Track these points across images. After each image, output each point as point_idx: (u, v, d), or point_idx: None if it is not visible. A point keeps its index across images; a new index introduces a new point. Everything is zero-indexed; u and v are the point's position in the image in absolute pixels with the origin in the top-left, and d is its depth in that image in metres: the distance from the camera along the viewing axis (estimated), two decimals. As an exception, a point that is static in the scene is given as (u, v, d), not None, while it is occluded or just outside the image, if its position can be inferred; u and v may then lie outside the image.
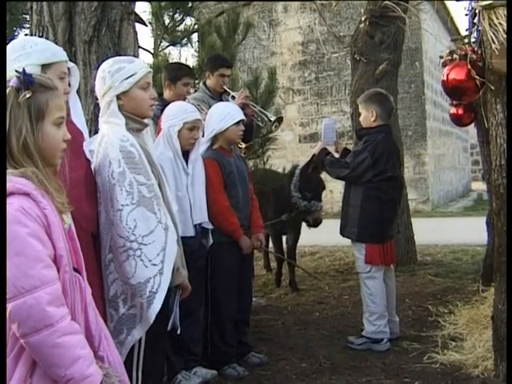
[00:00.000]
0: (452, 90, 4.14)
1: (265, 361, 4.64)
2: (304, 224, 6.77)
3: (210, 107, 5.30)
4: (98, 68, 3.90)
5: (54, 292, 1.88)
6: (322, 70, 16.34)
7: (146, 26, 6.94)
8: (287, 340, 5.23)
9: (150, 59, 6.83)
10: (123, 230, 2.85)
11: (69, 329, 1.90)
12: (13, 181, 1.89)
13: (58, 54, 2.82)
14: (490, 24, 3.57)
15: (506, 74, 3.53)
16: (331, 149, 5.30)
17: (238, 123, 4.51)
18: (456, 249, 9.32)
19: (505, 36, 3.43)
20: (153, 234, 2.90)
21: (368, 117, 5.02)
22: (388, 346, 4.85)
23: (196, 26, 7.41)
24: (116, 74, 3.02)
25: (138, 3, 4.84)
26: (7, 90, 1.94)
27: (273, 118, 5.69)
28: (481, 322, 5.05)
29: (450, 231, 11.00)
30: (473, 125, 6.06)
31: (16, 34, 7.57)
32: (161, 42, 7.13)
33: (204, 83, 5.70)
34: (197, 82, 6.49)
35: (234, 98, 5.59)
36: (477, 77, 3.88)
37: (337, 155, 5.27)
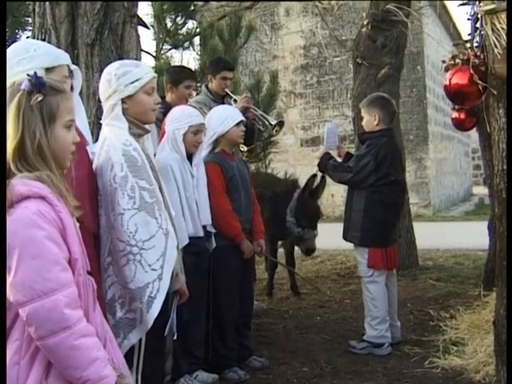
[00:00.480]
0: (454, 94, 4.12)
1: (266, 364, 4.64)
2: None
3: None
4: (100, 71, 3.92)
5: (70, 295, 1.89)
6: (323, 73, 16.35)
7: (149, 29, 6.95)
8: (288, 344, 5.22)
9: (152, 62, 6.85)
10: (124, 234, 2.85)
11: (85, 331, 1.91)
12: (29, 184, 1.89)
13: (61, 57, 2.83)
14: (492, 29, 3.55)
15: (506, 78, 3.52)
16: (333, 153, 5.30)
17: (238, 124, 4.51)
18: (457, 253, 9.30)
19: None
20: (153, 239, 2.91)
21: (371, 121, 5.02)
22: (389, 351, 4.84)
23: (198, 30, 7.44)
24: (122, 78, 3.02)
25: (140, 6, 4.84)
26: (19, 94, 1.94)
27: (274, 122, 5.69)
28: (482, 326, 5.04)
29: (451, 236, 10.98)
30: (474, 129, 6.05)
31: (18, 36, 7.58)
32: (163, 45, 7.15)
33: (206, 86, 5.71)
34: (199, 85, 6.50)
35: (235, 101, 5.60)
36: (479, 81, 3.86)
37: (339, 159, 5.26)
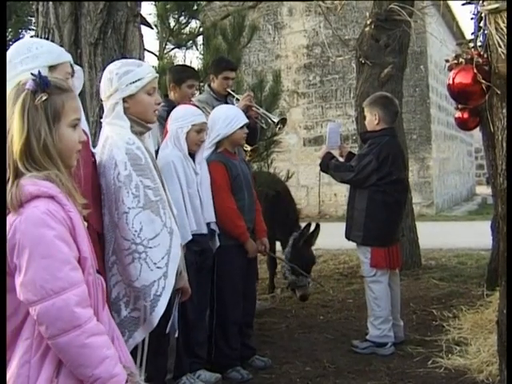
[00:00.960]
0: (458, 94, 4.11)
1: (269, 364, 4.64)
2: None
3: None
4: (103, 70, 3.91)
5: (81, 294, 1.90)
6: (326, 73, 16.34)
7: (152, 28, 6.95)
8: (291, 343, 5.22)
9: (155, 62, 6.84)
10: (129, 232, 2.86)
11: (96, 329, 1.92)
12: (38, 184, 1.90)
13: (63, 55, 2.83)
14: (496, 28, 3.54)
15: (506, 78, 3.51)
16: (336, 153, 5.29)
17: (242, 127, 4.51)
18: (460, 253, 9.29)
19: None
20: (158, 238, 2.92)
21: (372, 120, 5.02)
22: (392, 350, 4.84)
23: (201, 29, 7.42)
24: (124, 77, 3.02)
25: (143, 6, 4.84)
26: (23, 94, 1.94)
27: (276, 120, 5.69)
28: (485, 326, 5.04)
29: (454, 235, 10.97)
30: (478, 129, 6.04)
31: (22, 36, 7.58)
32: (166, 44, 7.14)
33: (209, 85, 5.71)
34: (202, 84, 6.50)
35: (238, 100, 5.60)
36: (483, 81, 3.86)
37: (341, 159, 5.26)
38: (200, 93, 6.11)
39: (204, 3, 8.02)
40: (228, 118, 4.49)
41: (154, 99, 3.12)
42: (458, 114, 5.62)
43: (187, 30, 7.29)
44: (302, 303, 6.60)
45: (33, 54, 2.69)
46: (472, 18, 4.17)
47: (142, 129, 3.13)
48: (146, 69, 3.11)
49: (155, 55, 7.00)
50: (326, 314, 6.23)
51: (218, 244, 4.28)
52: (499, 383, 3.98)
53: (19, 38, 7.12)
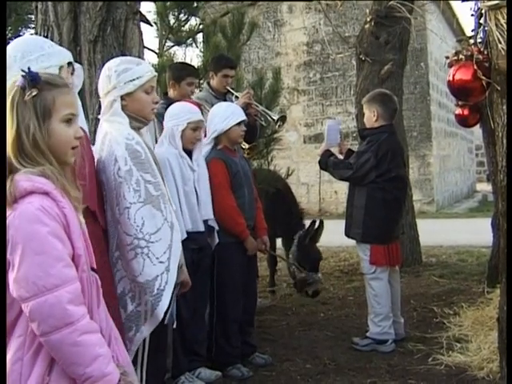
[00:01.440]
0: (458, 90, 4.11)
1: (269, 361, 4.63)
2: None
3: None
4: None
5: (74, 291, 1.88)
6: (326, 70, 16.32)
7: (151, 25, 6.92)
8: (291, 341, 5.22)
9: (154, 59, 6.83)
10: (131, 227, 2.88)
11: (88, 327, 1.90)
12: (33, 180, 1.89)
13: (68, 54, 2.83)
14: (496, 24, 3.55)
15: (506, 73, 3.50)
16: (335, 150, 5.28)
17: (239, 123, 4.49)
18: (461, 250, 9.29)
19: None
20: (160, 232, 2.94)
21: (370, 117, 5.01)
22: (393, 348, 4.83)
23: (201, 26, 7.40)
24: (122, 75, 3.03)
25: (142, 3, 4.83)
26: (13, 90, 1.94)
27: (276, 117, 5.69)
28: (486, 323, 5.03)
29: (454, 232, 10.96)
30: (478, 126, 6.04)
31: (21, 34, 7.57)
32: (166, 41, 7.12)
33: (208, 83, 5.71)
34: (201, 81, 6.49)
35: (237, 98, 5.59)
36: (483, 77, 3.86)
37: (341, 157, 5.25)
38: (200, 90, 6.10)
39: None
40: (225, 114, 4.47)
41: (152, 98, 3.12)
42: (459, 111, 5.63)
43: (187, 27, 7.27)
44: (302, 301, 6.61)
45: (47, 53, 2.67)
46: (472, 15, 4.17)
47: (140, 124, 3.15)
48: (144, 67, 3.12)
49: (155, 53, 6.99)
50: (327, 311, 6.23)
51: (216, 241, 4.27)
52: (500, 380, 3.98)
53: (19, 36, 7.12)
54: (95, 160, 3.00)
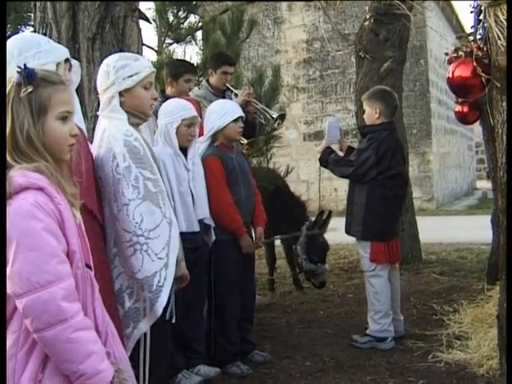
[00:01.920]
0: (457, 87, 4.10)
1: (268, 359, 4.63)
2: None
3: (212, 105, 5.30)
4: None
5: (68, 287, 1.88)
6: (326, 67, 16.31)
7: (150, 23, 6.92)
8: (291, 338, 5.22)
9: (153, 56, 6.82)
10: (130, 224, 2.88)
11: (82, 324, 1.90)
12: (27, 175, 1.88)
13: (65, 51, 2.82)
14: (495, 21, 3.53)
15: (506, 70, 3.49)
16: (335, 147, 5.27)
17: (236, 120, 4.47)
18: (461, 247, 9.29)
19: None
20: (158, 229, 2.94)
21: (372, 114, 5.00)
22: (392, 345, 4.83)
23: (200, 24, 7.39)
24: (121, 71, 3.02)
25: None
26: (9, 86, 1.93)
27: (275, 116, 5.69)
28: (486, 320, 5.02)
29: (454, 229, 10.96)
30: (478, 123, 6.03)
31: (21, 32, 7.56)
32: (165, 39, 7.11)
33: (207, 81, 5.70)
34: (201, 79, 6.48)
35: (236, 95, 5.58)
36: (482, 74, 3.85)
37: (341, 154, 5.24)
38: (199, 88, 6.09)
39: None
40: (222, 111, 4.45)
41: (151, 94, 3.12)
42: (458, 108, 5.62)
43: (186, 24, 7.26)
44: (301, 298, 6.63)
45: (44, 50, 2.66)
46: (472, 11, 4.16)
47: (139, 120, 3.14)
48: (143, 63, 3.11)
49: (154, 50, 6.98)
50: (326, 308, 6.23)
51: (213, 238, 4.26)
52: (499, 377, 3.97)
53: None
54: (93, 157, 3.00)
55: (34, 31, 4.39)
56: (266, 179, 6.34)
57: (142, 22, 4.98)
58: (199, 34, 7.42)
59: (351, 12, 15.37)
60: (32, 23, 6.39)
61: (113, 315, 2.48)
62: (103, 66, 3.10)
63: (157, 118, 4.34)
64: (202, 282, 4.21)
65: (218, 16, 7.50)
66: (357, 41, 7.89)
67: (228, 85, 5.64)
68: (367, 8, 7.93)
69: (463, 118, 5.78)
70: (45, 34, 4.13)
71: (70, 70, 2.81)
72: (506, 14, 3.41)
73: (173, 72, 5.16)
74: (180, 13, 7.13)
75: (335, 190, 15.60)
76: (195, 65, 6.30)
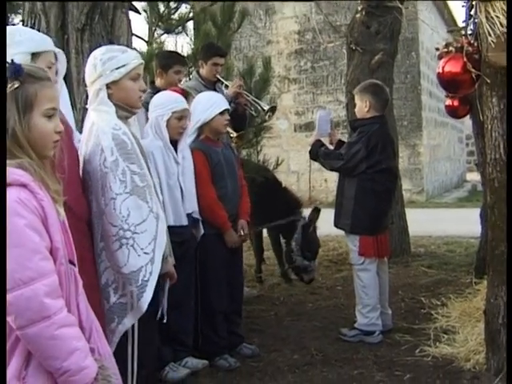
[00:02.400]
0: (447, 82, 4.11)
1: (256, 352, 4.63)
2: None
3: (202, 96, 5.27)
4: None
5: (51, 284, 1.87)
6: (318, 59, 16.28)
7: (140, 13, 6.88)
8: (279, 331, 5.22)
9: (144, 47, 6.77)
10: (116, 218, 2.88)
11: (66, 321, 1.90)
12: (10, 172, 1.87)
13: (47, 42, 2.80)
14: (486, 17, 3.52)
15: (505, 68, 3.49)
16: (326, 140, 5.26)
17: (222, 113, 4.44)
18: (450, 240, 9.31)
19: (501, 29, 3.39)
20: (145, 223, 2.94)
21: (362, 107, 4.98)
22: (380, 339, 4.84)
23: (191, 14, 7.35)
24: (108, 63, 3.01)
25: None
26: None
27: (266, 108, 5.67)
28: (473, 314, 5.04)
29: (444, 222, 10.99)
30: (468, 116, 6.03)
31: (10, 20, 7.50)
32: (155, 29, 7.07)
33: (197, 72, 5.67)
34: (191, 69, 6.45)
35: (227, 87, 5.56)
36: (473, 70, 3.85)
37: (331, 147, 5.23)
38: (189, 79, 6.06)
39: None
40: (207, 104, 4.42)
41: (139, 86, 3.10)
42: (448, 102, 5.62)
43: (177, 15, 7.22)
44: (290, 291, 6.63)
45: (16, 41, 2.65)
46: (463, 6, 4.15)
47: (127, 113, 3.14)
48: (130, 55, 3.09)
49: (144, 41, 6.94)
50: (315, 301, 6.23)
51: (202, 232, 4.24)
52: (485, 372, 4.00)
53: (8, 23, 7.04)
54: (77, 151, 2.98)
55: (23, 21, 4.34)
56: (254, 171, 6.33)
57: (132, 13, 4.95)
58: (190, 25, 7.39)
59: (343, 4, 15.29)
60: (20, 11, 6.34)
61: (97, 311, 2.47)
62: (90, 59, 3.09)
63: (147, 110, 4.32)
64: (189, 276, 4.20)
65: (208, 6, 7.46)
66: (348, 33, 7.87)
67: (219, 76, 5.62)
68: (359, 0, 7.91)
69: (453, 112, 5.78)
70: (34, 25, 4.10)
71: (52, 66, 2.78)
72: (497, 11, 3.40)
73: (162, 63, 5.13)
74: (171, 3, 7.09)
75: (325, 180, 15.60)
76: (186, 56, 6.27)
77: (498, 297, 3.82)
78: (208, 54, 5.56)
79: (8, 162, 1.88)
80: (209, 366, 4.30)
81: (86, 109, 3.33)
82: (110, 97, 3.03)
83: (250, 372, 4.32)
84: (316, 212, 6.45)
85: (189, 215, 4.11)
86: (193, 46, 6.76)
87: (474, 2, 3.78)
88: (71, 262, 2.06)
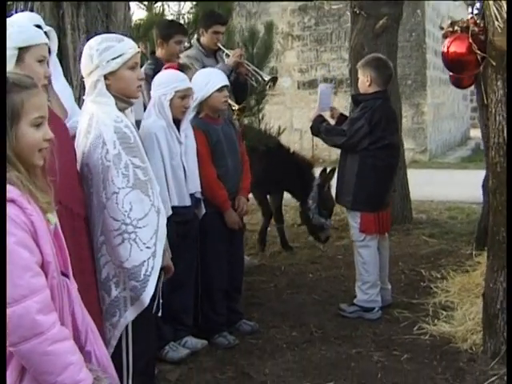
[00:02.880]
0: (452, 63, 4.03)
1: (256, 328, 4.65)
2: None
3: (203, 65, 5.19)
4: (87, 32, 3.79)
5: (43, 300, 1.86)
6: (322, 15, 15.98)
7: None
8: (279, 305, 5.23)
9: (143, 14, 6.63)
10: (119, 212, 2.86)
11: (59, 336, 1.89)
12: None
13: (36, 36, 2.71)
14: (493, -1, 3.43)
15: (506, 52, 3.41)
16: (327, 115, 5.19)
17: (221, 90, 4.36)
18: (452, 206, 9.27)
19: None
20: (147, 217, 2.93)
21: (364, 82, 4.89)
22: (379, 315, 4.86)
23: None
24: (104, 53, 2.94)
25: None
26: None
27: (267, 78, 5.61)
28: (472, 290, 5.06)
29: (446, 185, 10.90)
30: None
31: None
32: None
33: (198, 40, 5.58)
34: (192, 37, 6.34)
35: (228, 55, 5.47)
36: (478, 51, 3.76)
37: (332, 122, 5.16)
38: (190, 46, 5.96)
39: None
40: (205, 81, 4.32)
41: (137, 75, 3.04)
42: (453, 72, 5.51)
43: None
44: (291, 259, 6.64)
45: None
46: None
47: (126, 105, 3.08)
48: (127, 44, 3.02)
49: (144, 6, 6.78)
50: (315, 271, 6.23)
51: (203, 211, 4.23)
52: (482, 354, 4.02)
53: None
54: (75, 146, 2.93)
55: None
56: (256, 139, 6.28)
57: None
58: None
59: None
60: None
61: (93, 309, 2.47)
62: (86, 49, 3.00)
63: (147, 82, 4.25)
64: (191, 255, 4.19)
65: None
66: (352, -4, 7.70)
67: (219, 45, 5.53)
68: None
69: (458, 82, 5.68)
70: (27, 0, 3.98)
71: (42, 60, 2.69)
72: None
73: (163, 33, 5.05)
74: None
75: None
76: (186, 22, 6.16)
77: (497, 282, 3.81)
78: (208, 23, 5.47)
79: None
80: (208, 344, 4.32)
81: (83, 86, 3.26)
82: (108, 88, 2.96)
83: (248, 350, 4.34)
84: (331, 172, 6.44)
85: (191, 195, 4.09)
86: (193, 14, 6.61)
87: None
88: (64, 274, 2.03)
